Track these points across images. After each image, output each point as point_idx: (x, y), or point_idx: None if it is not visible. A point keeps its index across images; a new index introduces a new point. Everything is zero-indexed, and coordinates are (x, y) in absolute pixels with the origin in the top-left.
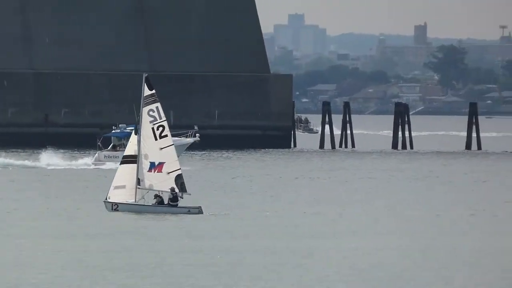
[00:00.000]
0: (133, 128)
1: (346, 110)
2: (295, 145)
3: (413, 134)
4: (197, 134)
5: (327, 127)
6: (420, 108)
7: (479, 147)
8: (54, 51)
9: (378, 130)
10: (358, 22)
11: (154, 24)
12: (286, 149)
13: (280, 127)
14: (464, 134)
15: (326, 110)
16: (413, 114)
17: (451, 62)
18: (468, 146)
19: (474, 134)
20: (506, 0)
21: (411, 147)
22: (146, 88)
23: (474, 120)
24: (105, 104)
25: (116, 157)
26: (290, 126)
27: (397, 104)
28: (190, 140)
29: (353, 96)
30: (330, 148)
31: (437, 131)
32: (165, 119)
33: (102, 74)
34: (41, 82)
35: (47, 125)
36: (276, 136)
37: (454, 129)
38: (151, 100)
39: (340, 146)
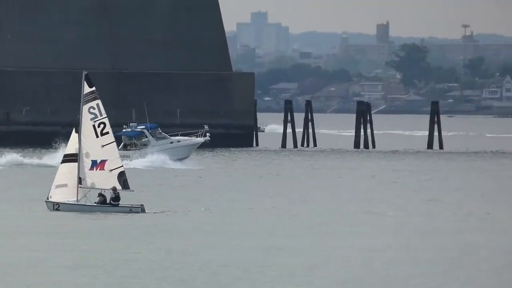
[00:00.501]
0: (144, 127)
1: (308, 108)
2: (257, 144)
3: (375, 133)
4: (207, 134)
5: (289, 125)
6: (382, 107)
7: (441, 146)
8: (16, 48)
9: (340, 129)
10: (320, 21)
11: (118, 22)
12: (248, 148)
13: (242, 125)
14: (426, 133)
15: (288, 109)
16: (375, 113)
17: (413, 61)
18: (429, 145)
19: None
20: None
21: (373, 146)
22: (86, 85)
23: (436, 119)
24: (67, 102)
25: (127, 156)
26: (252, 125)
27: (359, 103)
28: (200, 139)
29: (315, 94)
30: (292, 147)
31: (399, 130)
32: (105, 116)
33: (65, 72)
34: (2, 79)
35: (9, 123)
36: (239, 134)
37: (416, 128)
38: (91, 97)
39: (302, 145)
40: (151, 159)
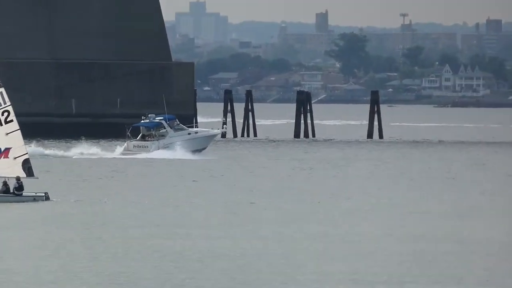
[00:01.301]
0: (162, 118)
1: (248, 98)
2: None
3: (315, 122)
4: (224, 126)
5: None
6: (322, 96)
7: (381, 136)
8: None
9: (281, 118)
10: (259, 10)
11: (56, 12)
12: None
13: (182, 115)
14: (366, 122)
15: (228, 99)
16: (315, 102)
17: (353, 50)
18: (369, 135)
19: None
20: None
21: (313, 136)
22: None
23: (375, 109)
24: None
25: (145, 146)
26: (192, 115)
27: (299, 93)
28: (217, 131)
29: (255, 84)
30: (232, 137)
31: (339, 120)
32: (9, 104)
33: (1, 62)
34: None
35: None
36: None
37: (357, 118)
38: None
39: (242, 135)
40: (169, 150)
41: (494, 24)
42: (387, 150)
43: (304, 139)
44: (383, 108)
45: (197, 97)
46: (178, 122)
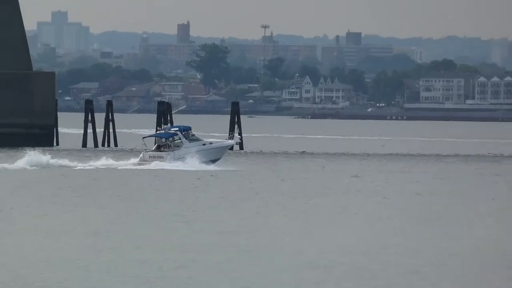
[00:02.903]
0: (177, 128)
1: (109, 108)
2: (57, 143)
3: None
4: (237, 136)
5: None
6: (183, 107)
7: (241, 147)
8: None
9: (142, 128)
10: (121, 20)
11: None
12: (50, 147)
13: (43, 125)
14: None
15: (88, 109)
16: (175, 113)
17: (214, 61)
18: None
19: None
20: (268, 0)
21: None
22: None
23: (236, 120)
24: None
25: (160, 157)
26: (53, 124)
27: (160, 103)
28: (231, 141)
29: (116, 94)
30: (93, 146)
31: (200, 131)
32: None
33: None
34: None
35: None
36: (39, 134)
37: (217, 129)
38: None
39: (103, 144)
40: (184, 161)
41: (353, 37)
42: (249, 160)
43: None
44: (244, 119)
45: (58, 106)
46: (193, 133)
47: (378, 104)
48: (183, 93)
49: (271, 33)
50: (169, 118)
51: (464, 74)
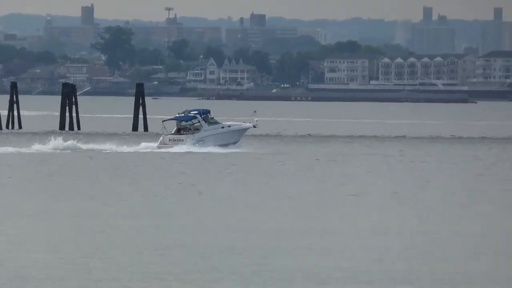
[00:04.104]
0: (196, 112)
1: (13, 90)
2: None
3: (81, 115)
4: (255, 119)
5: None
6: (87, 89)
7: (146, 129)
8: None
9: (47, 110)
10: (24, 3)
11: None
12: None
13: None
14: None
15: None
16: (80, 94)
17: (118, 43)
18: (134, 127)
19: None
20: None
21: (78, 128)
22: None
23: (140, 101)
24: None
25: (180, 140)
26: None
27: (64, 85)
28: (249, 124)
29: (21, 76)
30: None
31: (104, 113)
32: None
33: None
34: None
35: None
36: None
37: (122, 110)
38: None
39: (7, 127)
40: (204, 143)
41: (258, 19)
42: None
43: (69, 131)
44: (148, 100)
45: None
46: (212, 116)
47: (282, 85)
48: (87, 75)
49: (175, 15)
50: (73, 100)
51: (368, 55)
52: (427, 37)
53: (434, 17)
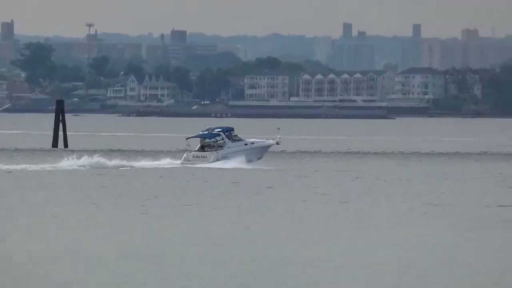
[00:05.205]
0: (220, 129)
1: None
2: None
3: (1, 131)
4: (278, 136)
5: None
6: (7, 106)
7: (66, 145)
8: None
9: None
10: None
11: None
12: None
13: None
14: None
15: None
16: (0, 111)
17: (38, 59)
18: (54, 143)
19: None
20: None
21: None
22: None
23: (60, 118)
24: None
25: (204, 157)
26: None
27: None
28: (272, 141)
29: None
30: None
31: (21, 129)
32: None
33: None
34: None
35: None
36: None
37: (41, 127)
38: None
39: None
40: (227, 160)
41: (178, 35)
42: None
43: None
44: (68, 117)
45: None
46: (236, 134)
47: (203, 102)
48: (7, 92)
49: (96, 31)
50: None
51: (288, 72)
52: (347, 53)
53: (354, 33)
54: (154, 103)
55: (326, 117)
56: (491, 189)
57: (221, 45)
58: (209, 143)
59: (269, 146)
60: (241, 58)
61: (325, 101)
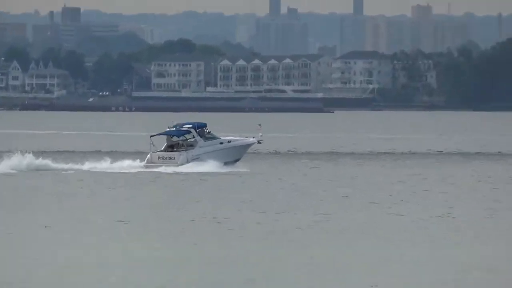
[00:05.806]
0: (190, 125)
1: None
2: None
3: None
4: (260, 134)
5: None
6: None
7: None
8: None
9: None
10: None
11: None
12: None
13: None
14: None
15: None
16: None
17: None
18: None
19: None
20: None
21: None
22: None
23: None
24: None
25: (171, 158)
26: None
27: None
28: (253, 140)
29: None
30: None
31: None
32: None
33: None
34: None
35: None
36: None
37: None
38: None
39: None
40: (199, 162)
41: (71, 13)
42: None
43: None
44: None
45: None
46: (209, 130)
47: (101, 93)
48: None
49: None
50: None
51: (204, 57)
52: (274, 34)
53: (283, 10)
54: (41, 95)
55: (250, 110)
56: None
57: (123, 25)
58: (177, 142)
59: (249, 145)
60: (146, 41)
61: (248, 91)
